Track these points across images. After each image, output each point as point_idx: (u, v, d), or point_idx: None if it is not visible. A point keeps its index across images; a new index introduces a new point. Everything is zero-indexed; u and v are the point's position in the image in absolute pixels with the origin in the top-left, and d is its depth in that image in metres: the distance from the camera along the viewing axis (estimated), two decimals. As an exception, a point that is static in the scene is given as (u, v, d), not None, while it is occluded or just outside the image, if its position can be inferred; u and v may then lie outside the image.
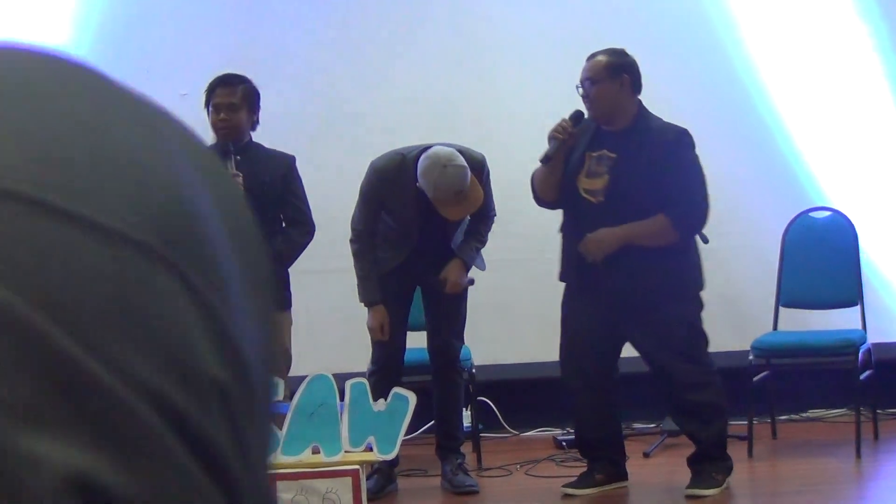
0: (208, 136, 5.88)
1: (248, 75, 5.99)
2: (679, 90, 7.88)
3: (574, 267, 5.88)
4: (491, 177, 6.31)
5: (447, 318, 6.32)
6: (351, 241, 6.21)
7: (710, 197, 5.80)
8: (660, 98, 7.79)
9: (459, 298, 6.32)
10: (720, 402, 5.84)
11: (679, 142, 5.67)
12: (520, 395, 7.72)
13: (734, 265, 7.82)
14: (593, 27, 8.08)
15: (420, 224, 6.13)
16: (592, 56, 5.80)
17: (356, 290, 6.23)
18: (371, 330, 6.11)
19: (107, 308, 0.47)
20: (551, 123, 7.99)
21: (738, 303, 7.75)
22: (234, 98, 5.80)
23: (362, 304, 6.15)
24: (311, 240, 6.02)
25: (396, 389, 4.91)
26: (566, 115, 5.97)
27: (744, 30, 8.00)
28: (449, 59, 8.13)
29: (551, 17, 8.13)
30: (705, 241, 6.80)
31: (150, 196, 0.48)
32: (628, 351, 7.52)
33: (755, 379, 6.77)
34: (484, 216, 6.27)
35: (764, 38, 7.99)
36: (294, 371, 5.67)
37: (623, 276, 5.65)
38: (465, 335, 7.14)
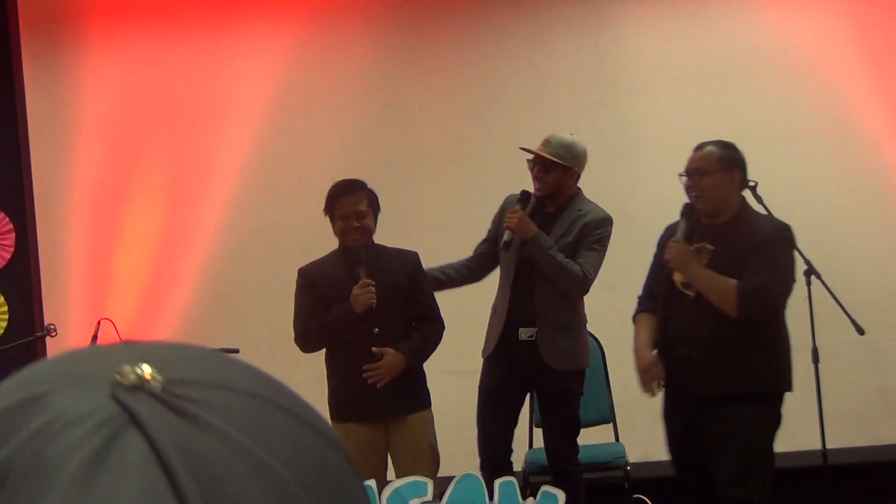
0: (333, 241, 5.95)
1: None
2: (822, 175, 7.84)
3: (664, 363, 5.68)
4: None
5: (555, 423, 6.21)
6: None
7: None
8: (798, 172, 7.80)
9: (566, 404, 6.16)
10: None
11: (775, 235, 5.46)
12: (677, 492, 7.62)
13: (892, 356, 7.69)
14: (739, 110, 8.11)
15: (517, 261, 6.10)
16: (702, 146, 5.63)
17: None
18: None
19: (324, 482, 0.74)
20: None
21: (896, 394, 7.61)
22: (361, 205, 5.82)
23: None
24: (441, 336, 5.99)
25: (545, 487, 4.89)
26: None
27: None
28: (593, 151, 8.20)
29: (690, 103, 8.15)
30: (861, 332, 6.67)
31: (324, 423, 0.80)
32: None
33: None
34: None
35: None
36: (443, 471, 5.68)
37: (701, 369, 5.45)
38: (618, 432, 7.12)
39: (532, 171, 6.17)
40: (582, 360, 6.18)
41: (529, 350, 6.03)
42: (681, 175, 5.62)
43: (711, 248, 5.52)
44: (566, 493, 5.80)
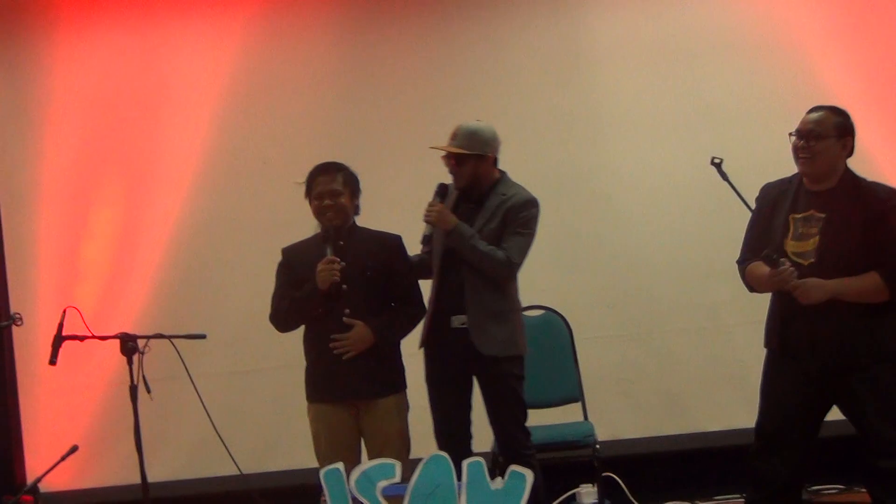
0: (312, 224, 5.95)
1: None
2: (787, 152, 7.87)
3: (778, 332, 5.65)
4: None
5: (501, 409, 6.09)
6: None
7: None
8: (763, 149, 7.85)
9: (509, 389, 6.08)
10: None
11: (891, 201, 5.46)
12: (646, 470, 7.67)
13: None
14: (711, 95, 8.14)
15: (443, 251, 6.09)
16: (818, 109, 5.62)
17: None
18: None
19: None
20: (671, 191, 8.09)
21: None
22: (335, 184, 5.88)
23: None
24: (419, 320, 6.02)
25: (514, 467, 4.87)
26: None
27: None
28: (561, 132, 8.21)
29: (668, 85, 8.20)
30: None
31: None
32: None
33: None
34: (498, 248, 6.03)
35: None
36: (415, 453, 5.70)
37: (828, 339, 5.46)
38: (587, 411, 7.14)
39: (448, 166, 6.16)
40: (516, 347, 6.08)
41: (464, 337, 5.98)
42: (791, 134, 5.59)
43: (822, 215, 5.51)
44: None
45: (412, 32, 8.35)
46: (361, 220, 6.02)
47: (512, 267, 6.00)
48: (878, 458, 5.46)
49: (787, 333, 5.60)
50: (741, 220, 6.53)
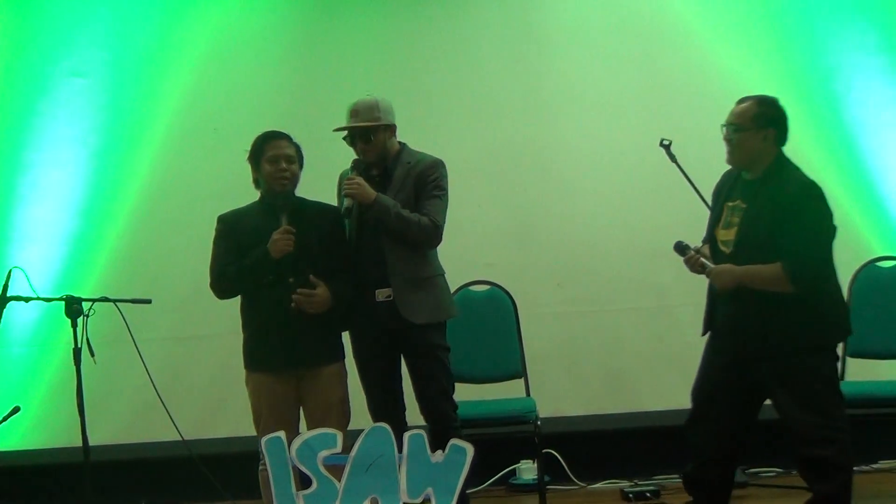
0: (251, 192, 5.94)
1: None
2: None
3: (707, 311, 5.82)
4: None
5: (429, 380, 6.10)
6: None
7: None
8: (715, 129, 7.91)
9: (436, 360, 6.11)
10: (843, 459, 5.56)
11: (802, 194, 5.47)
12: (586, 447, 7.71)
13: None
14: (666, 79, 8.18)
15: (359, 226, 6.08)
16: (744, 100, 5.68)
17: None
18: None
19: None
20: (620, 171, 8.12)
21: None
22: (290, 150, 5.90)
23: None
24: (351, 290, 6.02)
25: (454, 441, 4.89)
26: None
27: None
28: (513, 109, 8.22)
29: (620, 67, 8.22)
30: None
31: None
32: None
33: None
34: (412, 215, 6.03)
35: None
36: (354, 424, 5.71)
37: (745, 325, 5.56)
38: (529, 387, 7.17)
39: (354, 146, 6.11)
40: (445, 311, 6.13)
41: (389, 310, 5.99)
42: (723, 126, 5.64)
43: (745, 205, 5.59)
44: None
45: (367, 7, 8.33)
46: (302, 192, 6.01)
47: (438, 229, 6.03)
48: (802, 446, 5.53)
49: (713, 314, 5.77)
50: (689, 201, 6.59)
